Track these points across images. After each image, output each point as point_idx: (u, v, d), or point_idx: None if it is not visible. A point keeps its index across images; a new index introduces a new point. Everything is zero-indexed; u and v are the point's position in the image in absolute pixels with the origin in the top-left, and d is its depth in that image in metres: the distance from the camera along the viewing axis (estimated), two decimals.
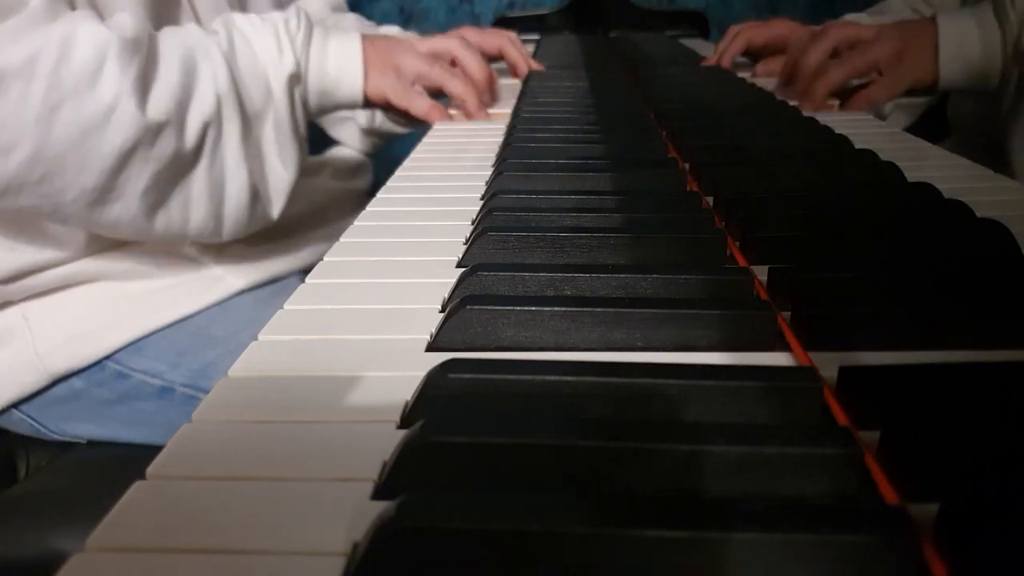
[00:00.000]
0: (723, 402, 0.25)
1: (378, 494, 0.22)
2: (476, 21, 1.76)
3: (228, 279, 0.70)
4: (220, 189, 0.63)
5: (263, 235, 0.74)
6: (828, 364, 0.28)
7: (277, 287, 0.74)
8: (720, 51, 1.00)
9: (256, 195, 0.66)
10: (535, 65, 0.94)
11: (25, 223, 0.62)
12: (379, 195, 0.54)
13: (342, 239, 0.45)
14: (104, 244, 0.66)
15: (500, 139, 0.68)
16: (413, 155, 0.66)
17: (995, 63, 0.74)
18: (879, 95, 0.77)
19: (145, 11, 0.65)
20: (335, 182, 0.92)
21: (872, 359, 0.29)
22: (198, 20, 0.72)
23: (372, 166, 1.03)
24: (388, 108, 0.79)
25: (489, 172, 0.57)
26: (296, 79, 0.69)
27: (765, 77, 0.87)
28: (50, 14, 0.54)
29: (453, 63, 0.81)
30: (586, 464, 0.22)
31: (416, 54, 0.76)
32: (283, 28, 0.68)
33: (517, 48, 0.94)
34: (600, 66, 1.04)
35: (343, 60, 0.73)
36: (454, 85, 0.78)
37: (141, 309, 0.67)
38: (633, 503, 0.20)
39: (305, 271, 0.77)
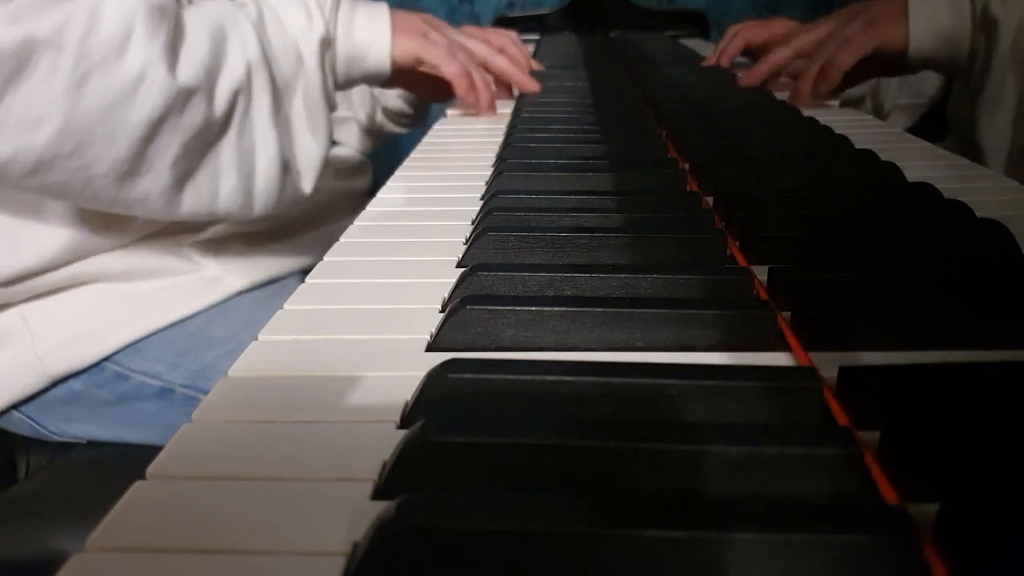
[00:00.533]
0: (723, 402, 0.25)
1: (378, 494, 0.22)
2: (476, 21, 1.76)
3: (227, 280, 0.70)
4: (250, 161, 0.62)
5: (262, 235, 0.74)
6: (828, 364, 0.28)
7: (276, 287, 0.74)
8: (719, 51, 1.01)
9: (287, 168, 0.65)
10: (535, 65, 0.94)
11: (24, 225, 0.62)
12: (379, 195, 0.54)
13: (342, 239, 0.45)
14: (102, 243, 0.66)
15: (500, 139, 0.68)
16: (413, 155, 0.66)
17: (964, 31, 0.74)
18: (844, 59, 0.76)
19: None
20: (335, 182, 0.92)
21: (872, 359, 0.29)
22: None
23: (372, 166, 1.03)
24: (412, 79, 0.78)
25: (489, 172, 0.57)
26: (327, 44, 0.68)
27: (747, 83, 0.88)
28: None
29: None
30: (586, 464, 0.22)
31: (444, 34, 0.77)
32: None
33: (519, 47, 0.94)
34: (600, 66, 1.04)
35: (371, 25, 0.73)
36: (477, 75, 0.78)
37: (140, 310, 0.67)
38: (633, 503, 0.20)
39: (304, 271, 0.77)
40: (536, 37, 1.51)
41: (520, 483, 0.22)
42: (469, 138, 0.72)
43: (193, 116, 0.57)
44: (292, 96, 0.66)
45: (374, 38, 0.73)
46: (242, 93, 0.60)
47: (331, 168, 0.96)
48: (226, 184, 0.61)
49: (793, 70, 0.84)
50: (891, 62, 0.78)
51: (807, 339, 0.30)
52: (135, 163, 0.56)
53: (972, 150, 0.75)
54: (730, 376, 0.26)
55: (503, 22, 1.65)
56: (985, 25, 0.72)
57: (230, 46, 0.60)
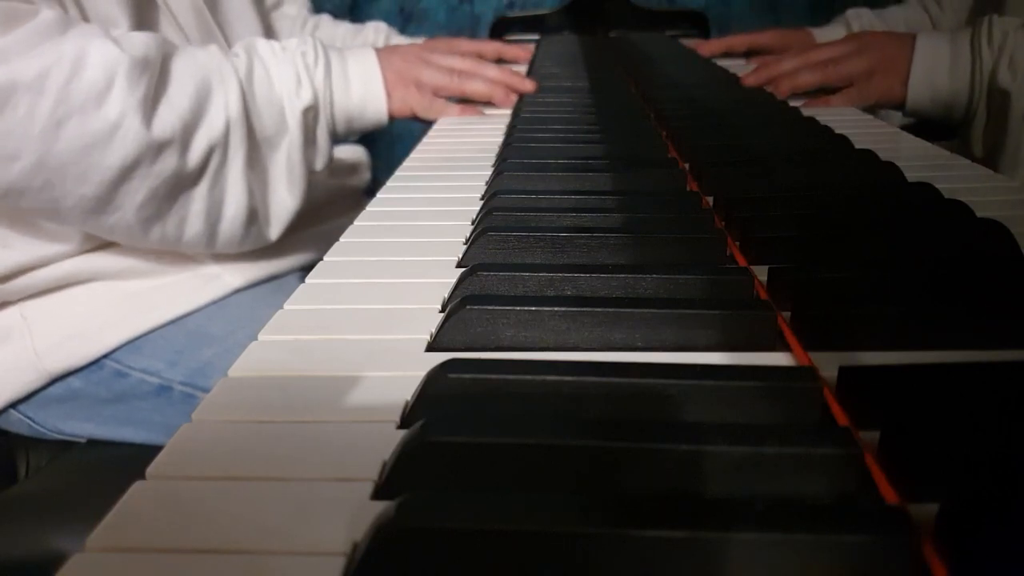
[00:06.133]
0: (723, 402, 0.25)
1: (378, 494, 0.22)
2: (476, 21, 1.76)
3: (225, 277, 0.71)
4: (218, 210, 0.64)
5: None
6: (828, 364, 0.28)
7: (274, 285, 0.74)
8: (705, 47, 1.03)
9: (254, 218, 0.67)
10: (528, 87, 0.89)
11: (19, 220, 0.62)
12: (379, 195, 0.54)
13: (342, 239, 0.45)
14: (101, 241, 0.66)
15: (500, 139, 0.68)
16: (413, 155, 0.66)
17: (962, 94, 0.75)
18: (840, 104, 0.80)
19: (126, 11, 0.66)
20: (333, 180, 0.92)
21: (872, 359, 0.29)
22: (176, 21, 0.72)
23: (370, 163, 1.03)
24: (416, 120, 0.81)
25: (489, 172, 0.57)
26: (312, 111, 0.70)
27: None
28: (61, 26, 0.55)
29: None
30: (586, 464, 0.22)
31: (432, 67, 0.78)
32: (301, 61, 0.69)
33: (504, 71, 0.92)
34: (600, 66, 1.04)
35: (365, 86, 0.75)
36: (475, 87, 0.81)
37: (139, 308, 0.67)
38: (633, 503, 0.20)
39: (302, 269, 0.77)
40: (536, 37, 1.51)
41: (520, 483, 0.22)
42: (469, 138, 0.72)
43: (164, 166, 0.59)
44: (273, 151, 0.69)
45: (370, 98, 0.75)
46: (218, 148, 0.63)
47: (329, 166, 0.96)
48: (192, 229, 0.64)
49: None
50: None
51: (807, 339, 0.30)
52: (103, 202, 0.58)
53: (990, 160, 0.76)
54: (730, 376, 0.26)
55: (503, 22, 1.65)
56: (993, 94, 0.73)
57: (213, 102, 0.62)
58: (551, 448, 0.22)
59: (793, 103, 0.80)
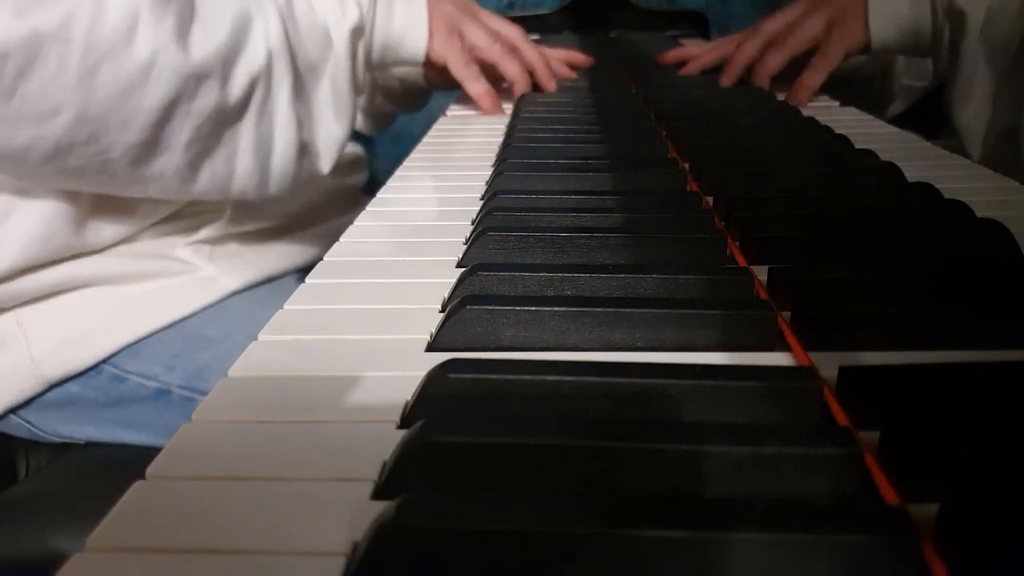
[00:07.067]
0: (723, 402, 0.25)
1: (378, 494, 0.22)
2: None
3: (222, 280, 0.70)
4: (268, 144, 0.62)
5: (256, 235, 0.74)
6: (828, 364, 0.28)
7: (271, 287, 0.74)
8: (693, 59, 0.99)
9: (305, 150, 0.65)
10: (552, 86, 0.89)
11: (16, 221, 0.62)
12: (379, 195, 0.54)
13: (342, 239, 0.45)
14: (97, 246, 0.65)
15: (500, 139, 0.68)
16: (413, 155, 0.66)
17: (925, 19, 0.75)
18: (815, 79, 0.78)
19: None
20: (330, 179, 0.92)
21: (872, 359, 0.29)
22: None
23: (371, 164, 1.03)
24: (442, 74, 0.79)
25: (489, 172, 0.57)
26: (359, 32, 0.68)
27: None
28: None
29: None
30: (586, 464, 0.22)
31: (480, 24, 0.77)
32: None
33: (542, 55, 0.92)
34: (600, 66, 1.04)
35: (409, 18, 0.72)
36: (511, 67, 0.79)
37: (135, 312, 0.67)
38: (633, 503, 0.20)
39: (300, 270, 0.77)
40: (536, 37, 1.51)
41: (520, 483, 0.22)
42: (469, 138, 0.72)
43: (206, 100, 0.57)
44: (318, 79, 0.66)
45: (412, 31, 0.73)
46: (261, 80, 0.60)
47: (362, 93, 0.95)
48: (242, 165, 0.61)
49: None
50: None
51: (807, 339, 0.30)
52: (150, 146, 0.56)
53: (991, 160, 0.76)
54: (730, 376, 0.26)
55: None
56: (951, 15, 0.73)
57: (252, 32, 0.60)
58: (551, 448, 0.22)
59: (778, 93, 0.80)
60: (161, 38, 0.54)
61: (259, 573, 0.20)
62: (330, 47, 0.66)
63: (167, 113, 0.56)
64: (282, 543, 0.21)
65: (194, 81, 0.56)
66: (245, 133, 0.61)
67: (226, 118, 0.59)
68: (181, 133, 0.57)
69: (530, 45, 0.83)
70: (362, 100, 0.99)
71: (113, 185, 0.59)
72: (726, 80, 0.86)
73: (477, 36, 0.77)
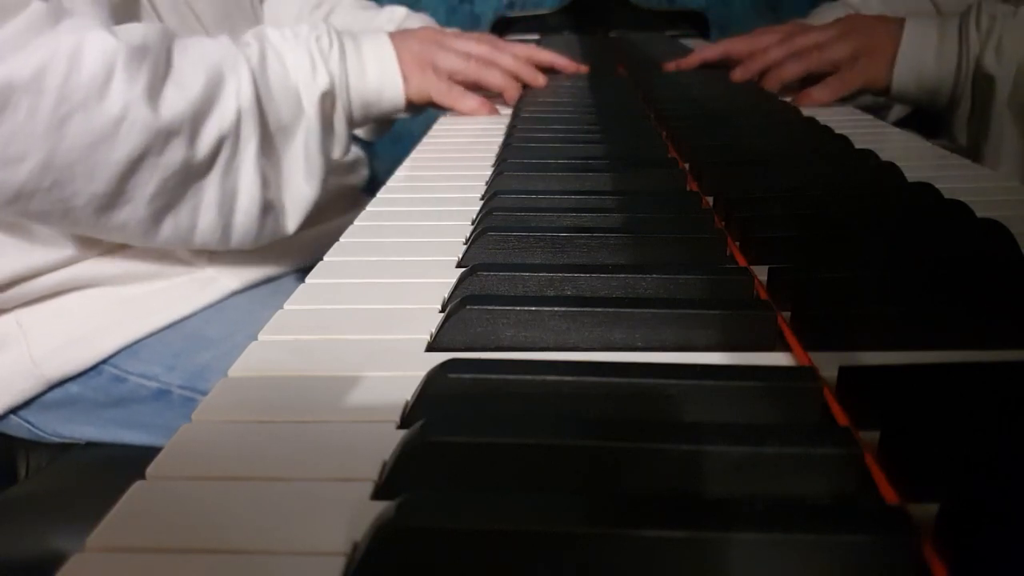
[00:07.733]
0: (723, 402, 0.25)
1: (378, 494, 0.22)
2: (476, 21, 1.76)
3: (222, 280, 0.70)
4: (232, 200, 0.63)
5: None
6: (828, 364, 0.28)
7: (271, 287, 0.74)
8: (692, 54, 0.99)
9: (270, 208, 0.66)
10: (541, 81, 0.89)
11: (14, 228, 0.62)
12: (379, 195, 0.54)
13: (342, 239, 0.45)
14: (96, 249, 0.65)
15: (500, 139, 0.68)
16: (413, 155, 0.66)
17: (947, 80, 0.75)
18: (823, 96, 0.79)
19: (106, 10, 0.65)
20: (331, 179, 0.92)
21: (872, 359, 0.29)
22: (159, 18, 0.71)
23: (371, 164, 1.03)
24: (430, 105, 0.79)
25: (489, 172, 0.57)
26: (329, 97, 0.69)
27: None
28: (52, 18, 0.53)
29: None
30: (586, 464, 0.22)
31: (449, 51, 0.77)
32: (315, 45, 0.68)
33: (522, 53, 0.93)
34: (600, 66, 1.04)
35: (381, 70, 0.73)
36: (494, 79, 0.80)
37: (135, 313, 0.67)
38: (633, 503, 0.20)
39: (299, 270, 0.77)
40: (536, 37, 1.51)
41: (520, 483, 0.22)
42: (469, 138, 0.72)
43: (173, 156, 0.58)
44: (289, 141, 0.67)
45: (385, 81, 0.74)
46: (229, 138, 0.61)
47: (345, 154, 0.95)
48: (205, 219, 0.62)
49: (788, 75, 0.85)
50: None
51: (807, 339, 0.30)
52: (114, 197, 0.57)
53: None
54: (730, 376, 0.26)
55: (503, 22, 1.65)
56: (979, 79, 0.73)
57: (224, 91, 0.61)
58: (551, 448, 0.22)
59: (781, 98, 0.80)
60: (134, 94, 0.55)
61: (259, 573, 0.20)
62: (301, 110, 0.67)
63: (134, 166, 0.56)
64: (282, 543, 0.21)
65: (163, 137, 0.57)
66: (210, 188, 0.62)
67: (192, 173, 0.60)
68: (147, 186, 0.58)
69: (504, 54, 0.83)
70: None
71: (76, 229, 0.61)
72: (740, 74, 0.86)
73: (450, 62, 0.77)
